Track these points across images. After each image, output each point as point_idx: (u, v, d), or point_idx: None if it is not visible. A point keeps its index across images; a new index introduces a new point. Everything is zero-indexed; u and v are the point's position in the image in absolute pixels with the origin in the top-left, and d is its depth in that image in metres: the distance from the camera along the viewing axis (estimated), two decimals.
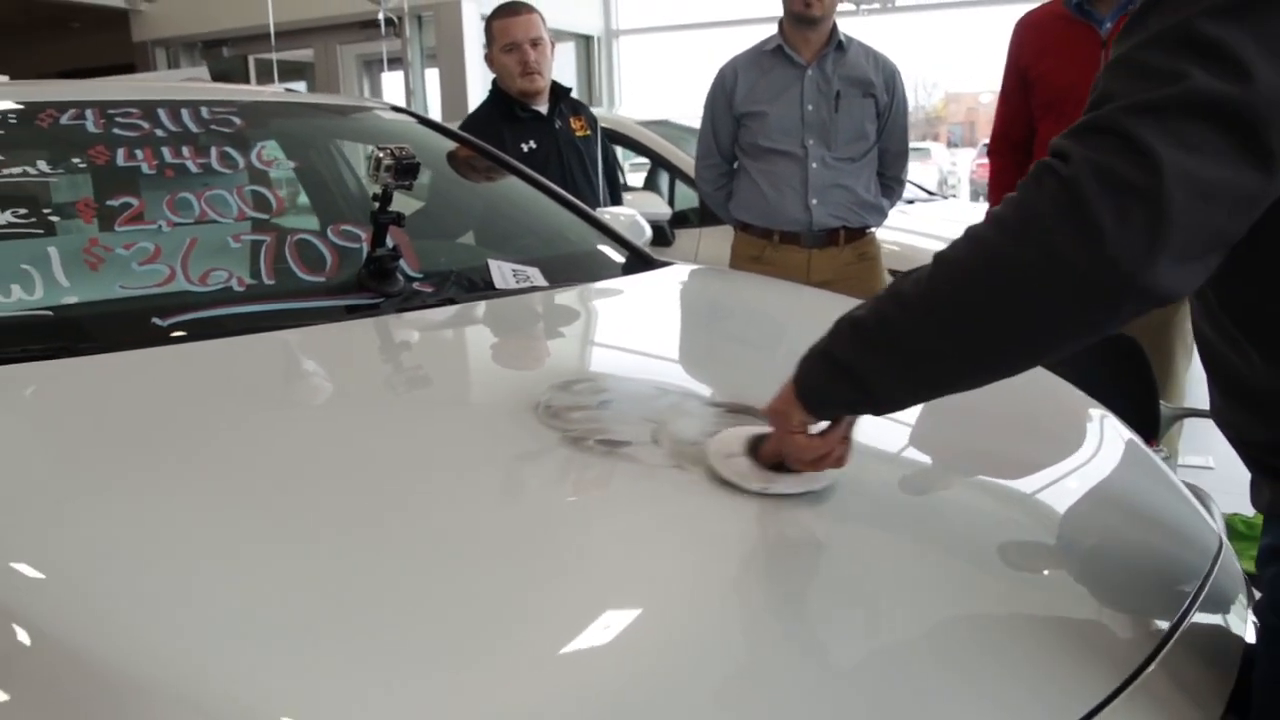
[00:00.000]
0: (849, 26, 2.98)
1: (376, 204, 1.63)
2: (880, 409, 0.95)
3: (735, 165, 2.98)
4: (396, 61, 8.91)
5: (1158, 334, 2.36)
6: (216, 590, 0.84)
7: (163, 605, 0.82)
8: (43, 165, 1.71)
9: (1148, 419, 2.04)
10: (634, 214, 2.44)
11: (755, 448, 1.05)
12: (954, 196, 11.88)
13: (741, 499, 1.04)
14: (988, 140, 2.86)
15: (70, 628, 0.79)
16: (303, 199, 2.33)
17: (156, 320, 1.45)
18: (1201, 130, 0.73)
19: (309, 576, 0.87)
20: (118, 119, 1.80)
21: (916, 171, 4.39)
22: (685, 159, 4.16)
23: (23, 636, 0.80)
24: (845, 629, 0.90)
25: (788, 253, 2.85)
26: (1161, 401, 2.19)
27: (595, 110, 3.48)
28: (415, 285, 1.68)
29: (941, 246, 0.86)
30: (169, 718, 0.72)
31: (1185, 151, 0.72)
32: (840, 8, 2.96)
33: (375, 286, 1.63)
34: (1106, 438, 1.41)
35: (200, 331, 1.45)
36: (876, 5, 8.64)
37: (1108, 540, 1.15)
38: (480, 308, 1.69)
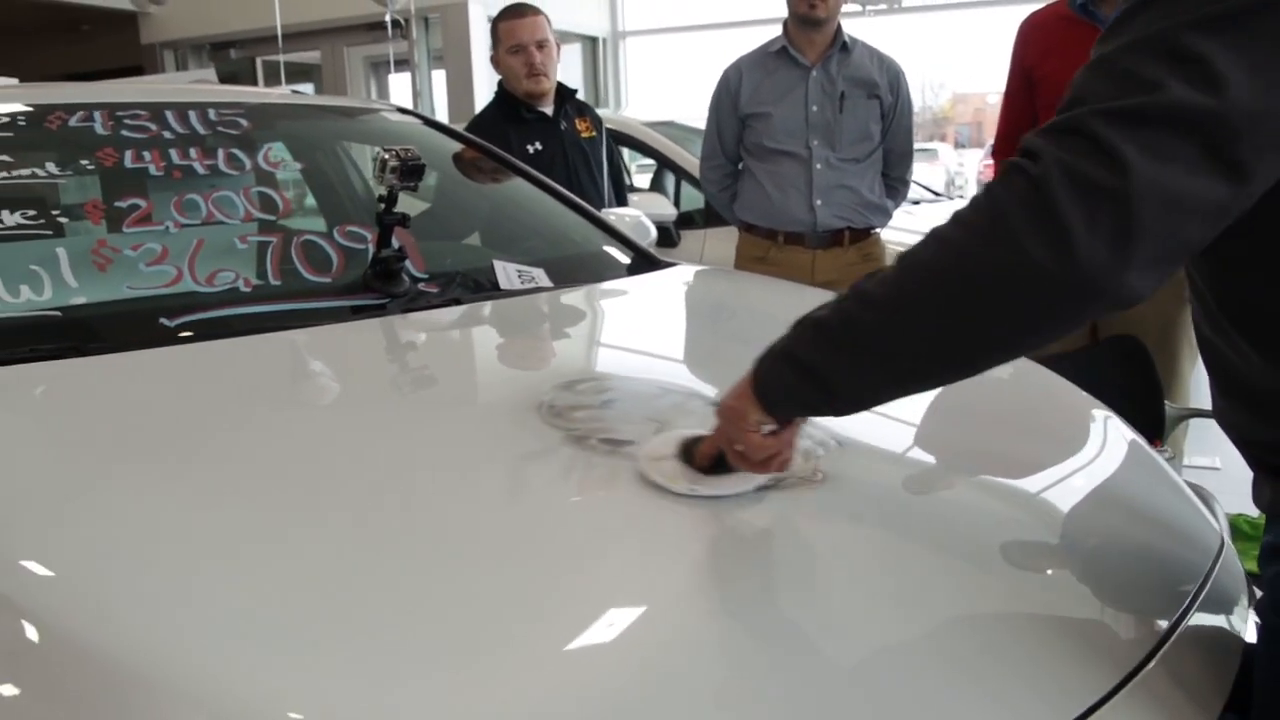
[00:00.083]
0: (855, 27, 2.99)
1: (382, 205, 1.64)
2: (841, 410, 0.95)
3: (740, 166, 2.98)
4: (403, 63, 8.92)
5: (1163, 334, 2.36)
6: (222, 588, 0.85)
7: (169, 603, 0.82)
8: (51, 167, 1.72)
9: (1152, 419, 2.04)
10: (639, 215, 2.44)
11: (688, 450, 1.05)
12: (961, 197, 11.86)
13: (743, 497, 1.05)
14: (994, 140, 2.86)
15: (78, 624, 0.80)
16: (309, 200, 2.35)
17: (164, 320, 1.46)
18: (1174, 140, 0.73)
19: (314, 575, 0.88)
20: (126, 121, 1.81)
21: (923, 172, 4.40)
22: (691, 160, 4.16)
23: (31, 633, 0.80)
24: (848, 627, 0.90)
25: (792, 253, 2.85)
26: (1166, 402, 2.18)
27: (601, 111, 3.49)
28: (421, 286, 1.69)
29: None
30: (176, 715, 0.73)
31: (1156, 160, 0.73)
32: (846, 8, 2.97)
33: (381, 287, 1.64)
34: (1108, 438, 1.41)
35: (207, 332, 1.46)
36: (883, 6, 8.63)
37: (1108, 539, 1.16)
38: (485, 308, 1.70)
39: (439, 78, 9.05)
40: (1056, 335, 0.80)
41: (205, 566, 0.88)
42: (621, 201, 3.17)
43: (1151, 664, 0.93)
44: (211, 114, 1.93)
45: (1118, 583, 1.07)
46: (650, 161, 4.77)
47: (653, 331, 1.75)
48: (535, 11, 3.08)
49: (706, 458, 1.04)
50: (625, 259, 2.09)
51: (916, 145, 3.10)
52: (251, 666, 0.76)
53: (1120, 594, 1.05)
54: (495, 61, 3.11)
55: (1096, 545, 1.14)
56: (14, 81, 3.33)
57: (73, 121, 1.79)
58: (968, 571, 1.01)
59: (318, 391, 1.38)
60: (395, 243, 1.67)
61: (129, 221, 1.65)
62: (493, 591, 0.87)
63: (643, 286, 1.97)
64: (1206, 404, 0.99)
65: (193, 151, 1.80)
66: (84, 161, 1.77)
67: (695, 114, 3.52)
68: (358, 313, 1.60)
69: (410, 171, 1.61)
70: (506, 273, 1.79)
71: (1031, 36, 2.54)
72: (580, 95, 3.29)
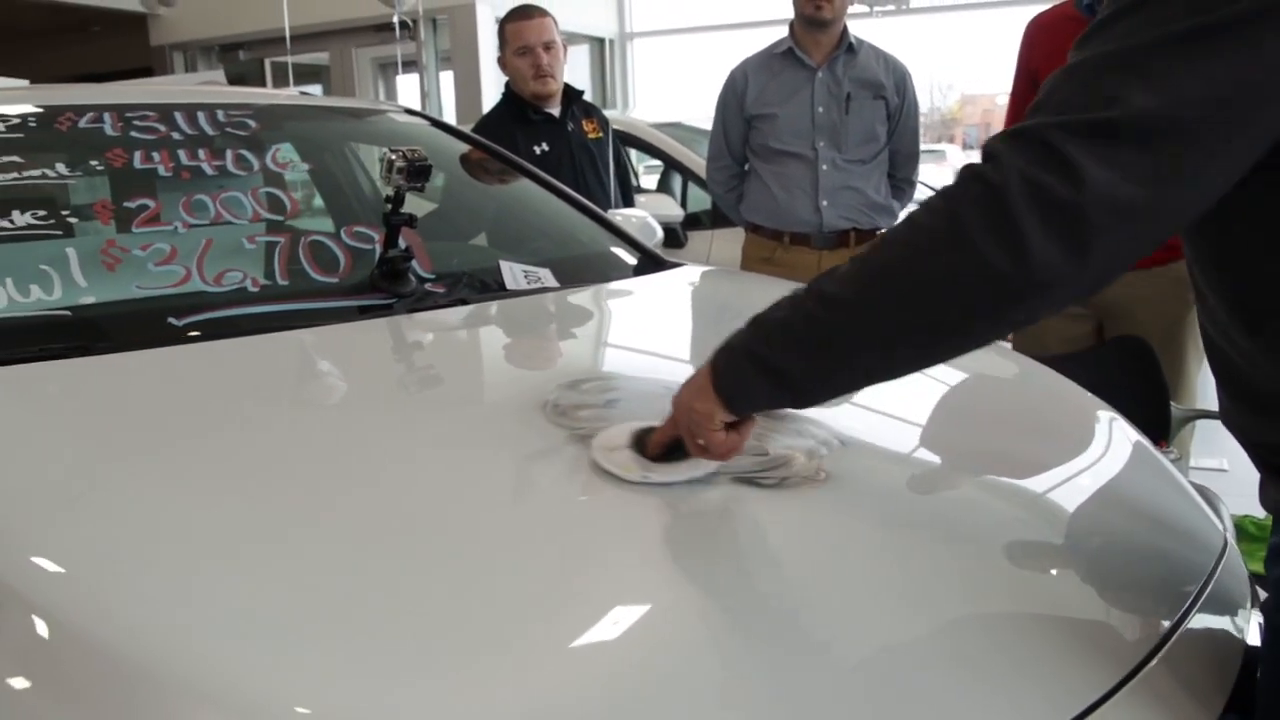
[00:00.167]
0: (863, 28, 2.99)
1: (389, 206, 1.65)
2: (802, 405, 0.98)
3: (746, 167, 2.99)
4: (411, 64, 8.94)
5: (1169, 335, 2.35)
6: (229, 584, 0.86)
7: (177, 598, 0.83)
8: (61, 168, 1.73)
9: (1158, 420, 2.04)
10: (645, 215, 2.45)
11: (640, 441, 1.08)
12: None
13: (746, 496, 1.06)
14: None
15: (87, 620, 0.81)
16: (317, 201, 2.36)
17: (172, 320, 1.47)
18: (1128, 153, 0.75)
19: (320, 571, 0.88)
20: (135, 122, 1.82)
21: (932, 173, 4.39)
22: (698, 161, 4.17)
23: (41, 629, 0.81)
24: (850, 625, 0.91)
25: (798, 254, 2.86)
26: (1173, 403, 2.18)
27: (609, 112, 3.50)
28: (427, 286, 1.69)
29: None
30: (184, 710, 0.74)
31: (1111, 172, 0.75)
32: (854, 10, 2.97)
33: (388, 287, 1.64)
34: (1112, 438, 1.41)
35: (215, 331, 1.47)
36: (891, 7, 8.62)
37: (1111, 539, 1.16)
38: (491, 308, 1.71)
39: (447, 79, 9.07)
40: (1009, 330, 0.86)
41: (212, 563, 0.88)
42: (628, 202, 3.18)
43: (1153, 662, 0.93)
44: (220, 115, 1.94)
45: (1120, 582, 1.07)
46: (657, 163, 4.78)
47: (657, 332, 1.76)
48: (542, 13, 3.09)
49: (659, 447, 1.06)
50: (631, 260, 2.10)
51: (924, 146, 3.10)
52: (259, 662, 0.77)
53: (1122, 593, 1.05)
54: (502, 63, 3.12)
55: (1099, 545, 1.15)
56: (25, 83, 3.35)
57: (82, 122, 1.80)
58: (970, 570, 1.01)
59: (325, 391, 1.39)
60: (402, 243, 1.67)
61: (138, 222, 1.66)
62: (497, 589, 0.88)
63: (648, 287, 1.97)
64: (1213, 405, 1.00)
65: (201, 152, 1.81)
66: (93, 162, 1.78)
67: (702, 115, 3.53)
68: (365, 312, 1.61)
69: (417, 172, 1.61)
70: (513, 273, 1.80)
71: (1037, 38, 2.54)
72: (587, 96, 3.30)
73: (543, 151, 2.98)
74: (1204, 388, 2.48)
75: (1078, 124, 0.76)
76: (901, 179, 2.97)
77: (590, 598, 0.89)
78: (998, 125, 2.93)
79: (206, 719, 0.73)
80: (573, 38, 5.84)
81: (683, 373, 1.51)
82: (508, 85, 3.13)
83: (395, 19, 7.40)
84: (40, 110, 1.85)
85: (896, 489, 1.16)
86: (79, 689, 0.77)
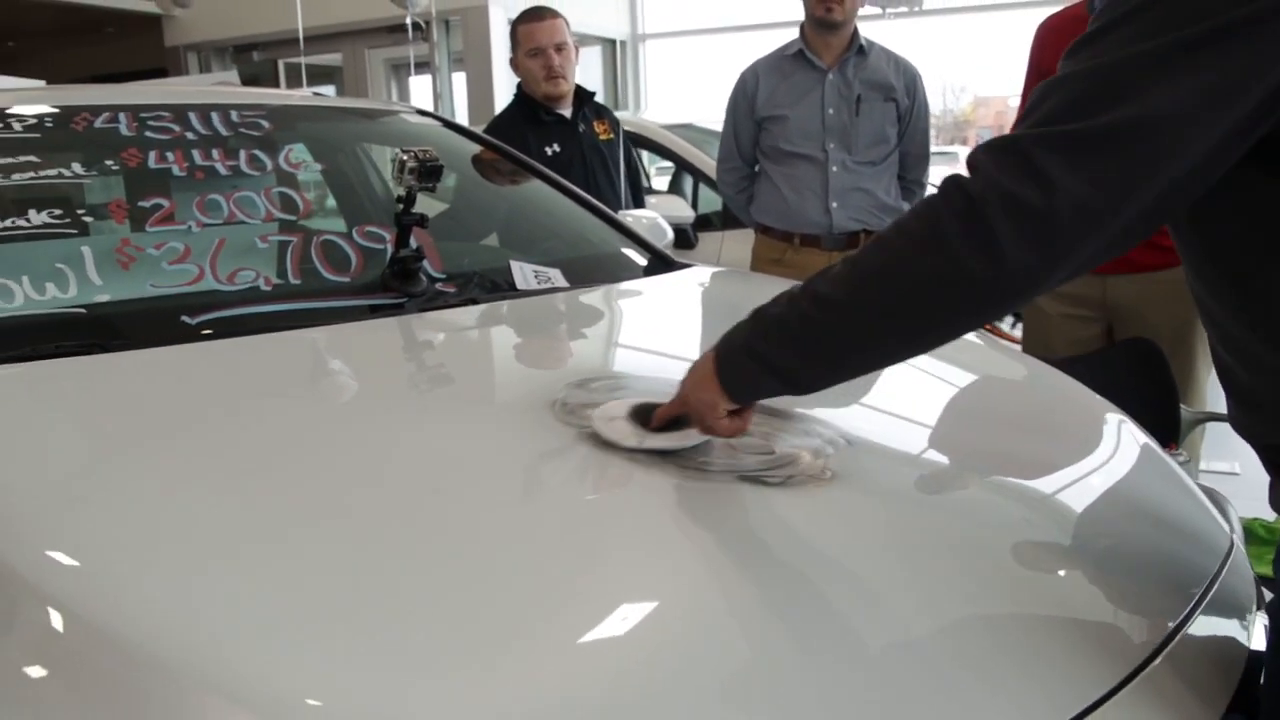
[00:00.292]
0: (876, 30, 2.99)
1: (400, 206, 1.66)
2: (802, 393, 1.03)
3: (756, 169, 2.99)
4: (424, 66, 8.95)
5: (1179, 338, 2.34)
6: (241, 578, 0.87)
7: (192, 593, 0.84)
8: (77, 167, 1.75)
9: (1168, 423, 2.04)
10: (655, 216, 2.46)
11: (641, 413, 1.15)
12: None
13: (751, 494, 1.06)
14: None
15: (102, 614, 0.82)
16: (330, 201, 2.37)
17: (186, 318, 1.48)
18: (1101, 163, 0.80)
19: (331, 566, 0.89)
20: (150, 122, 1.84)
21: (944, 175, 4.36)
22: (708, 162, 4.17)
23: (57, 622, 0.82)
24: (854, 623, 0.92)
25: (808, 255, 2.86)
26: (1183, 405, 2.18)
27: (620, 114, 3.50)
28: (438, 286, 1.71)
29: None
30: (197, 703, 0.75)
31: (1083, 182, 0.80)
32: (867, 11, 2.98)
33: (399, 287, 1.65)
34: (1119, 440, 1.41)
35: (228, 329, 1.49)
36: (904, 9, 8.60)
37: (1117, 540, 1.16)
38: (502, 308, 1.72)
39: (459, 80, 9.09)
40: (986, 322, 0.94)
41: (225, 558, 0.89)
42: (639, 203, 3.18)
43: (1156, 661, 0.94)
44: (234, 115, 1.95)
45: (1125, 583, 1.07)
46: (669, 164, 4.78)
47: (666, 332, 1.77)
48: (554, 15, 3.10)
49: (662, 423, 1.13)
50: (642, 260, 2.10)
51: (937, 148, 3.10)
52: (271, 655, 0.78)
53: (1127, 594, 1.05)
54: (514, 64, 3.13)
55: (1104, 546, 1.15)
56: (41, 83, 3.38)
57: (98, 123, 1.82)
58: (974, 569, 1.01)
59: (337, 388, 1.40)
60: (413, 243, 1.68)
61: (152, 221, 1.68)
62: (505, 586, 0.89)
63: (658, 287, 1.98)
64: (1224, 408, 1.00)
65: (215, 152, 1.83)
66: (109, 162, 1.80)
67: (713, 116, 3.54)
68: (376, 312, 1.62)
69: (428, 173, 1.63)
70: (523, 273, 1.81)
71: (1048, 40, 2.53)
72: (599, 98, 3.31)
73: (554, 152, 2.99)
74: (1214, 390, 2.46)
75: (1054, 136, 0.81)
76: (912, 181, 2.97)
77: (596, 595, 0.90)
78: (1010, 127, 2.91)
79: (219, 711, 0.74)
80: (584, 39, 5.86)
81: None
82: (519, 86, 3.15)
83: (408, 20, 7.43)
84: (56, 110, 1.87)
85: (902, 488, 1.17)
86: (94, 681, 0.78)
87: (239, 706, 0.74)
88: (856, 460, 1.18)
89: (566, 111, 3.08)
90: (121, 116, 1.84)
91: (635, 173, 3.37)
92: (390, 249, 1.70)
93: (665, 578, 0.94)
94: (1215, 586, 1.09)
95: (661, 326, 1.80)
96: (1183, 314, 2.32)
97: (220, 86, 3.38)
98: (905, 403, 1.34)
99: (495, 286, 1.76)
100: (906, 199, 2.96)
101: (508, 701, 0.76)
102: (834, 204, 2.83)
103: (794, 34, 2.93)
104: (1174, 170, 0.79)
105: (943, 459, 1.30)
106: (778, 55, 2.94)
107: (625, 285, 1.97)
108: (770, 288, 2.21)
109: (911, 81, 2.90)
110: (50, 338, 1.39)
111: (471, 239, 2.28)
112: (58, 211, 1.63)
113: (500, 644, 0.81)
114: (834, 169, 2.82)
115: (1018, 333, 3.12)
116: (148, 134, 1.81)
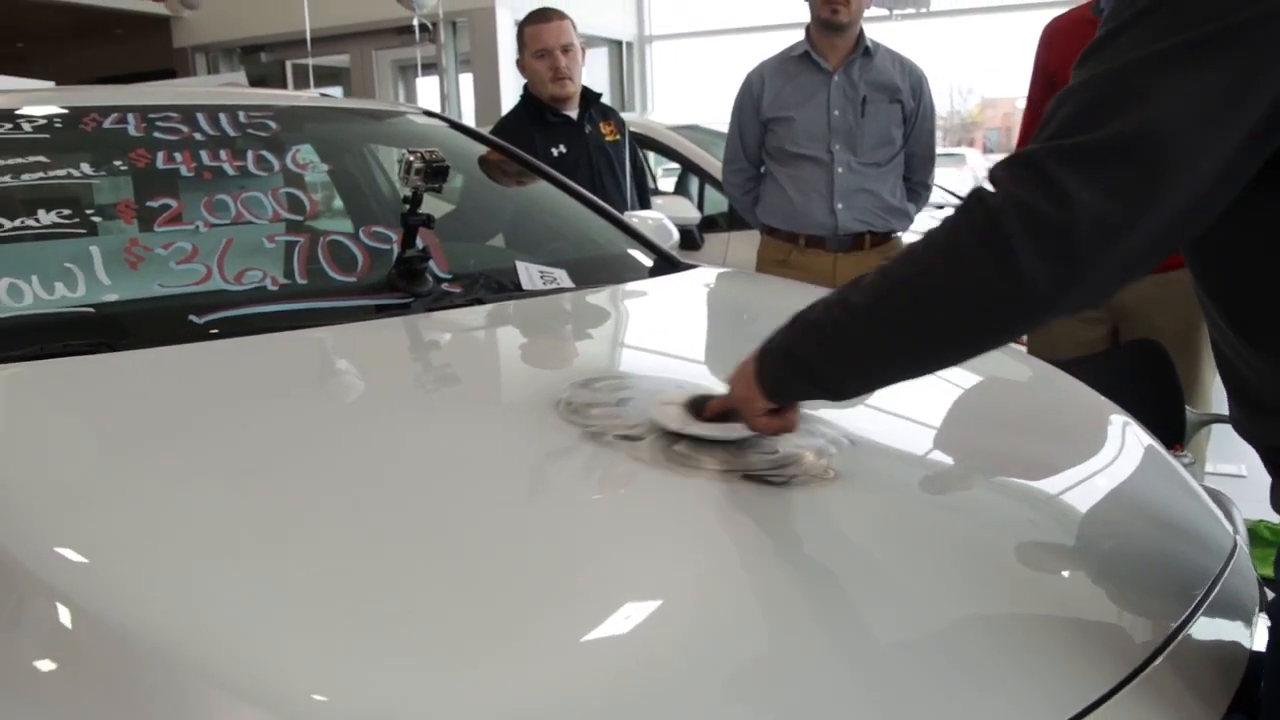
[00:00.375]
0: (882, 32, 2.99)
1: (407, 206, 1.67)
2: (836, 399, 1.06)
3: (762, 170, 3.00)
4: (431, 67, 8.98)
5: (1184, 339, 2.34)
6: (248, 575, 0.88)
7: (199, 589, 0.85)
8: (86, 167, 1.76)
9: (1173, 424, 2.03)
10: (661, 217, 2.46)
11: (696, 404, 1.18)
12: None
13: (755, 494, 1.07)
14: (1018, 145, 2.86)
15: (110, 609, 0.82)
16: (336, 202, 2.38)
17: (193, 318, 1.49)
18: (1116, 175, 0.79)
19: (337, 562, 0.90)
20: (158, 123, 1.85)
21: (951, 177, 4.38)
22: (714, 164, 4.17)
23: (65, 617, 0.83)
24: (855, 621, 0.92)
25: (813, 257, 2.86)
26: (1188, 407, 2.17)
27: (626, 115, 3.51)
28: (444, 286, 1.71)
29: None
30: (204, 698, 0.75)
31: (1099, 195, 0.79)
32: (874, 13, 2.98)
33: (405, 287, 1.66)
34: (1124, 441, 1.42)
35: (235, 329, 1.50)
36: (911, 10, 8.59)
37: (1120, 541, 1.16)
38: (507, 308, 1.72)
39: (466, 81, 9.11)
40: (1011, 338, 0.94)
41: (232, 555, 0.90)
42: (645, 204, 3.19)
43: (1157, 661, 0.94)
44: (241, 116, 1.96)
45: (1127, 583, 1.07)
46: (675, 165, 4.79)
47: (671, 332, 1.77)
48: (561, 16, 3.11)
49: (714, 414, 1.16)
50: (647, 261, 2.11)
51: (944, 150, 3.10)
52: (278, 650, 0.79)
53: (1129, 594, 1.05)
54: (521, 65, 3.14)
55: (1107, 547, 1.15)
56: (51, 84, 3.40)
57: (107, 123, 1.83)
58: (976, 569, 1.02)
59: (343, 388, 1.41)
60: (420, 243, 1.69)
61: (160, 221, 1.69)
62: (508, 583, 0.89)
63: (663, 288, 1.99)
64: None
65: (223, 153, 1.84)
66: (117, 162, 1.81)
67: (719, 118, 3.54)
68: (382, 312, 1.63)
69: (434, 173, 1.63)
70: (529, 273, 1.82)
71: (1054, 41, 2.53)
72: (606, 99, 3.31)
73: (560, 153, 3.00)
74: (1220, 392, 2.45)
75: (1068, 149, 0.81)
76: (917, 182, 2.97)
77: (600, 594, 0.90)
78: (1018, 128, 2.92)
79: (225, 707, 0.75)
80: (591, 40, 5.87)
81: (695, 373, 1.53)
82: (526, 88, 3.15)
83: (415, 22, 7.45)
84: (65, 111, 1.88)
85: (905, 488, 1.17)
86: (101, 676, 0.78)
87: (244, 702, 0.74)
88: (860, 460, 1.18)
89: (573, 113, 3.09)
90: (130, 117, 1.85)
91: (641, 174, 3.38)
92: (396, 249, 1.71)
93: (668, 577, 0.95)
94: (1218, 588, 1.09)
95: (667, 327, 1.81)
96: (1188, 316, 2.32)
97: (228, 87, 3.39)
98: (909, 403, 1.34)
99: (501, 287, 1.77)
100: (912, 200, 2.96)
101: (511, 698, 0.76)
102: (839, 205, 2.83)
103: (800, 36, 2.93)
104: (1190, 178, 0.78)
105: (946, 459, 1.31)
106: (783, 57, 2.94)
107: (630, 286, 1.98)
108: (775, 289, 2.23)
109: (917, 83, 2.91)
110: (59, 337, 1.40)
111: (477, 239, 2.28)
112: (66, 211, 1.64)
113: (504, 642, 0.82)
114: (839, 170, 2.83)
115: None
116: (156, 134, 1.82)
